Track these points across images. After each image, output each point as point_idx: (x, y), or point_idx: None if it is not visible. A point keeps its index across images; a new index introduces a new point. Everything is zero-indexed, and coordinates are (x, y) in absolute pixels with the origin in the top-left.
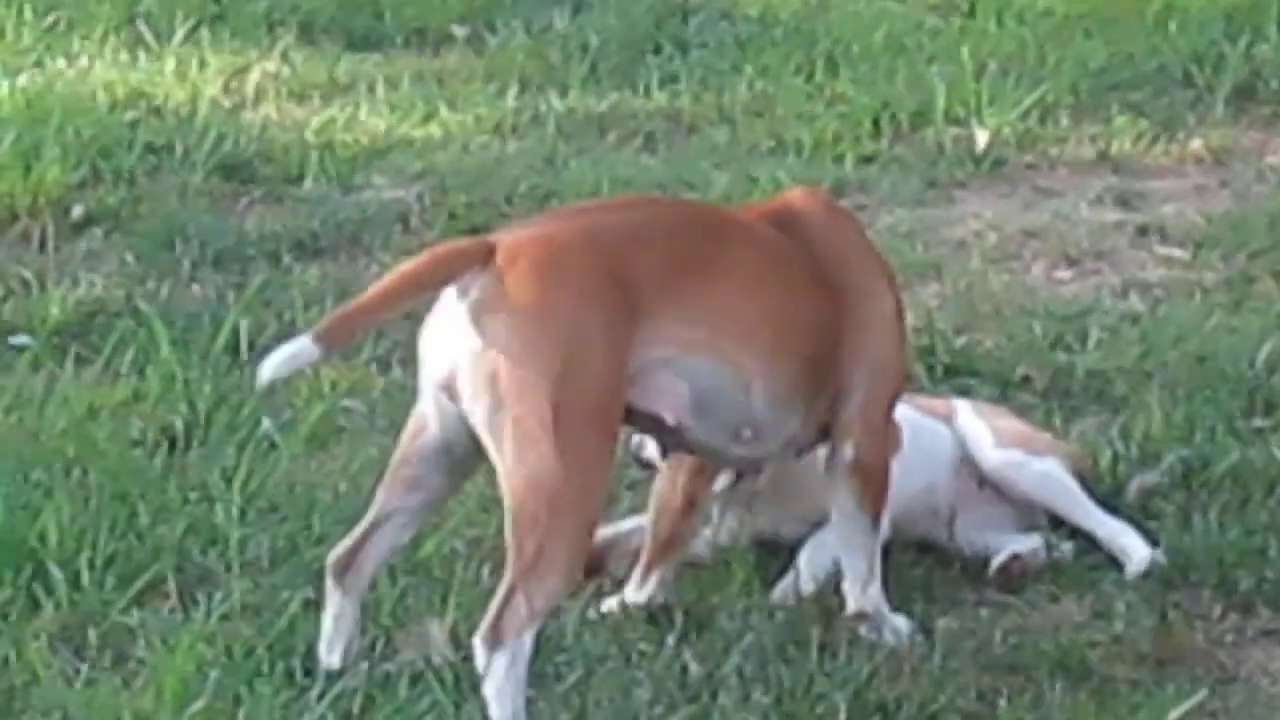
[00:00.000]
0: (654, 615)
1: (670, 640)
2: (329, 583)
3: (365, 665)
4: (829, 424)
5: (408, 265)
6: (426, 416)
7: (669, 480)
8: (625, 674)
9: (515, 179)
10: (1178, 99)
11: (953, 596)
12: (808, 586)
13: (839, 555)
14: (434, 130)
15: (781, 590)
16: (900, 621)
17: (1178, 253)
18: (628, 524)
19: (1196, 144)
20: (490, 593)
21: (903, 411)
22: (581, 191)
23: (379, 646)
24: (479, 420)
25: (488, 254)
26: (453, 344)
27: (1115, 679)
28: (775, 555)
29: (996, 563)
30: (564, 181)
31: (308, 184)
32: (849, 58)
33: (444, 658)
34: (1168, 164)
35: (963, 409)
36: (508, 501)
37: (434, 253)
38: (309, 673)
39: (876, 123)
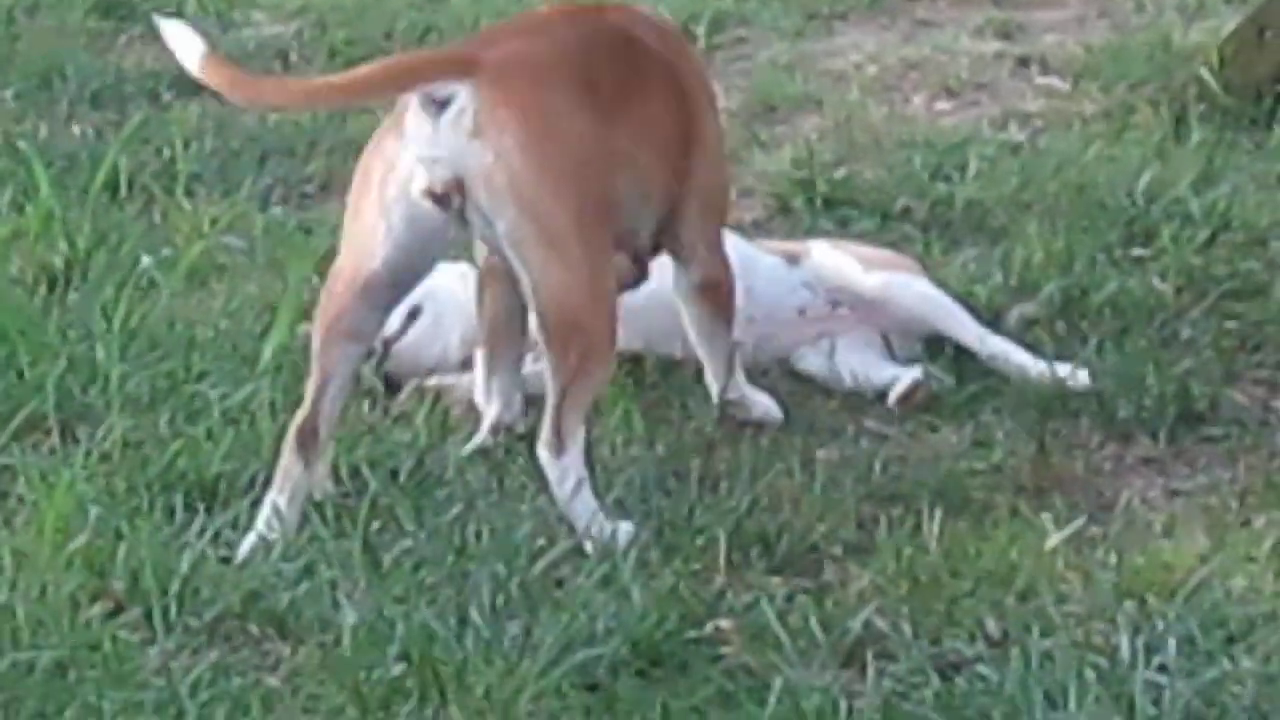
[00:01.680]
0: (532, 450)
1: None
2: (289, 459)
3: (246, 500)
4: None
5: (375, 66)
6: (376, 242)
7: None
8: (506, 507)
9: (394, 14)
10: None
11: (833, 427)
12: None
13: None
14: None
15: None
16: (764, 398)
17: (1057, 83)
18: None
19: None
20: (372, 428)
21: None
22: (461, 27)
23: (259, 482)
24: (501, 231)
25: (468, 65)
26: (455, 156)
27: (994, 507)
28: (655, 385)
29: (897, 391)
30: (445, 17)
31: (187, 19)
32: None
33: (325, 491)
34: None
35: (817, 246)
36: (541, 308)
37: (410, 58)
38: (190, 508)
39: None
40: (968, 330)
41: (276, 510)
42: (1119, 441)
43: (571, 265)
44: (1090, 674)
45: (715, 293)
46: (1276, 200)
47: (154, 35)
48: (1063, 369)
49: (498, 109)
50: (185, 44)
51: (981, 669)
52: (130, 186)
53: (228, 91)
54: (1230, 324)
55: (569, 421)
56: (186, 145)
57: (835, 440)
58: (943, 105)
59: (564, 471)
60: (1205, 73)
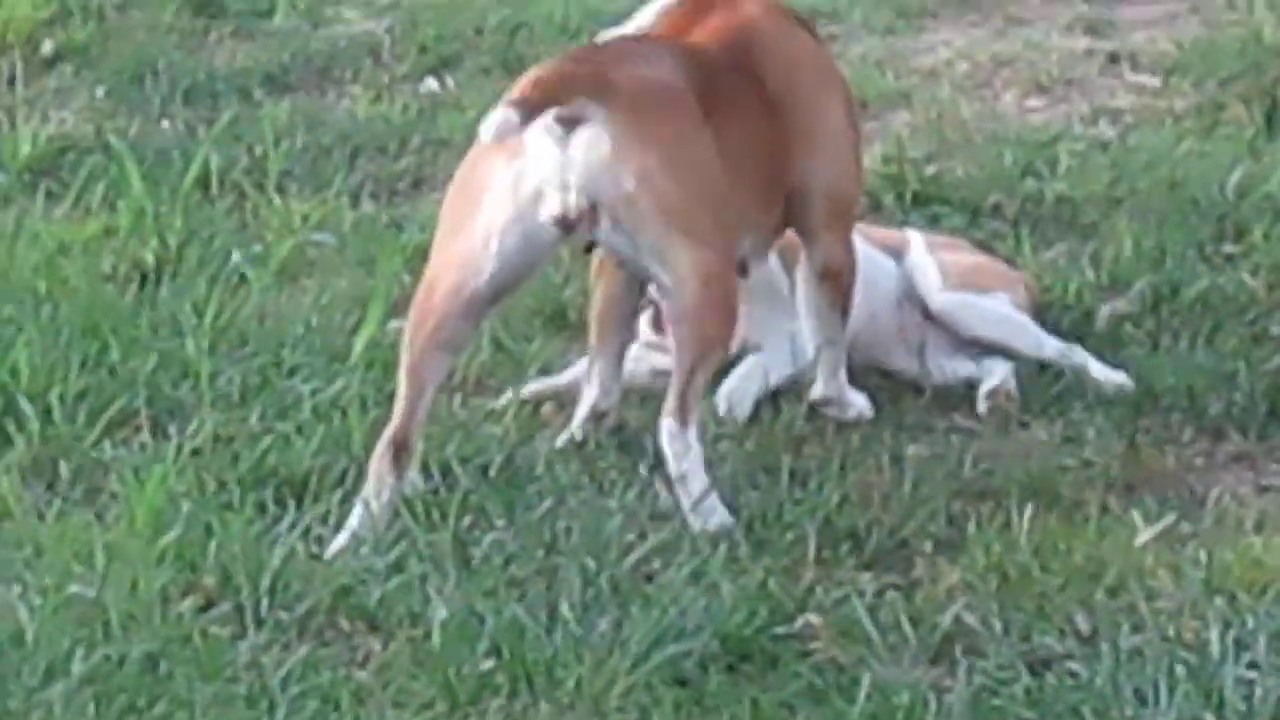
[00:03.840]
0: (625, 444)
1: (642, 469)
2: (382, 467)
3: (336, 495)
4: (784, 231)
5: (521, 86)
6: (486, 260)
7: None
8: (596, 502)
9: (484, 10)
10: None
11: (923, 424)
12: (722, 408)
13: (811, 350)
14: None
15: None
16: (861, 400)
17: (1148, 80)
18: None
19: None
20: (462, 424)
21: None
22: (551, 23)
23: (348, 477)
24: (645, 246)
25: (601, 89)
26: (588, 182)
27: (1084, 503)
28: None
29: (984, 395)
30: (535, 14)
31: (277, 18)
32: None
33: (415, 488)
34: None
35: (915, 243)
36: (681, 298)
37: (546, 75)
38: (280, 503)
39: None
40: (1045, 348)
41: (369, 510)
42: (1210, 438)
43: (715, 253)
44: (1180, 670)
45: (835, 282)
46: None
47: (245, 32)
48: (1111, 379)
49: (633, 135)
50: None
51: (1071, 665)
52: (221, 183)
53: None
54: None
55: (694, 396)
56: (277, 142)
57: (925, 436)
58: (1033, 102)
59: (687, 444)
60: None
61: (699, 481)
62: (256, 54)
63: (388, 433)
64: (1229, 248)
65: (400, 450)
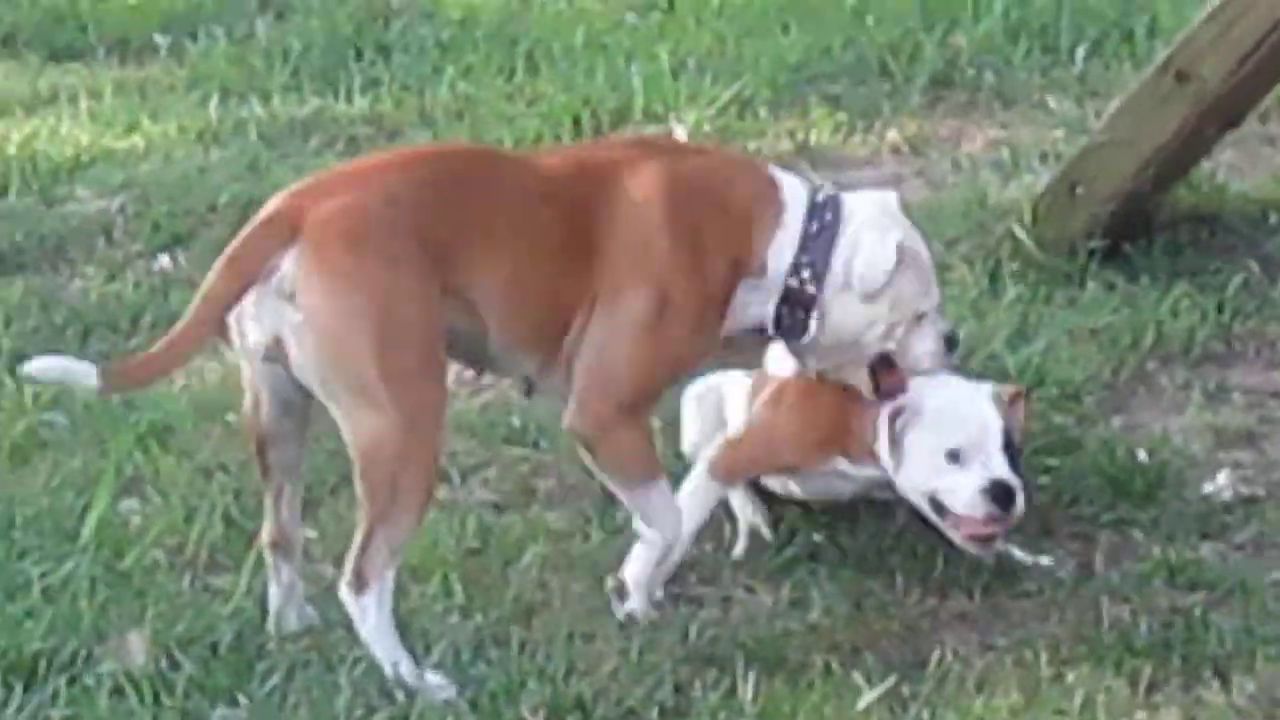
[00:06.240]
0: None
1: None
2: (273, 559)
3: (64, 678)
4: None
5: (211, 286)
6: (257, 384)
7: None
8: (325, 679)
9: (218, 187)
10: (874, 90)
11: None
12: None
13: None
14: (137, 141)
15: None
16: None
17: None
18: None
19: (893, 134)
20: (192, 602)
21: None
22: None
23: (79, 659)
24: (314, 384)
25: (292, 229)
26: (270, 315)
27: (810, 667)
28: (476, 551)
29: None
30: (267, 188)
31: (10, 198)
32: (550, 57)
33: (142, 668)
34: (865, 154)
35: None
36: (354, 454)
37: (237, 253)
38: (8, 685)
39: (577, 121)
40: None
41: (276, 601)
42: (935, 597)
43: (382, 415)
44: None
45: (584, 442)
46: (1090, 355)
47: None
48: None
49: (310, 273)
50: (76, 373)
51: None
52: None
53: (135, 383)
54: (1045, 479)
55: (372, 562)
56: (9, 322)
57: (653, 603)
58: None
59: (364, 610)
60: (1019, 229)
61: (386, 650)
62: None
63: (264, 537)
64: None
65: (276, 544)
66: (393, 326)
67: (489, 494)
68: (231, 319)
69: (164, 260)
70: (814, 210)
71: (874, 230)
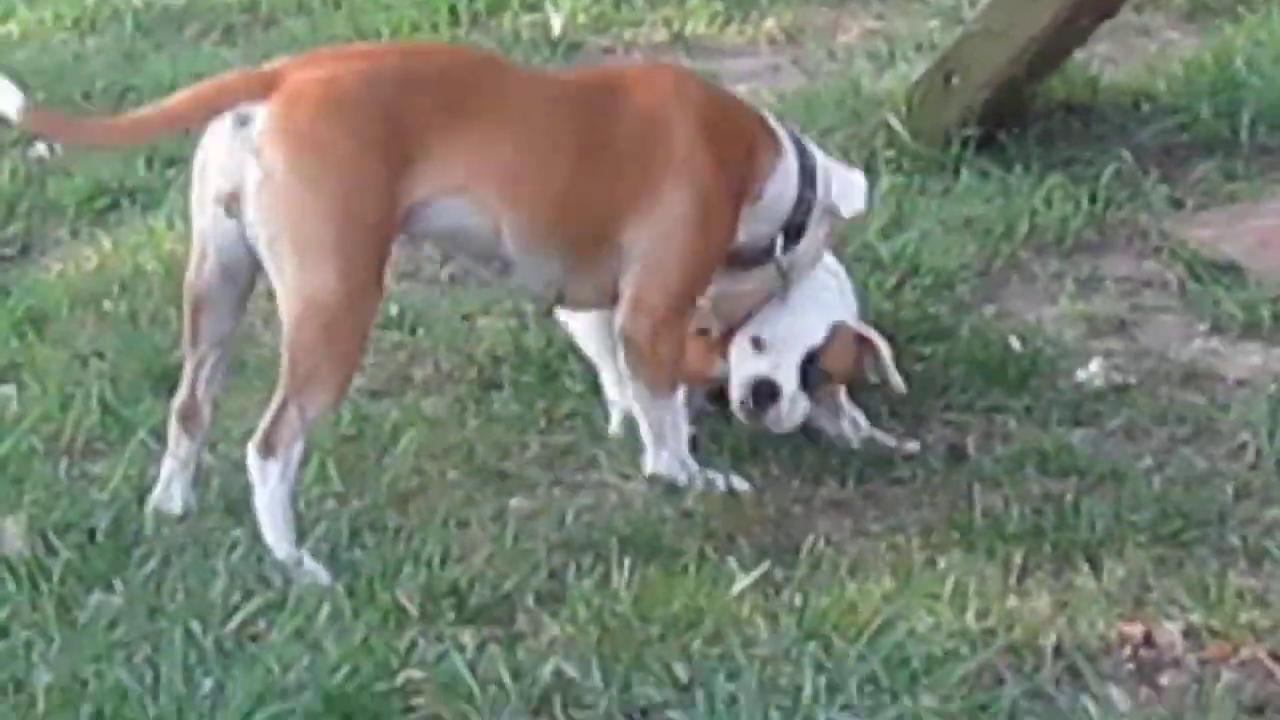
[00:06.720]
0: (230, 507)
1: (242, 533)
2: (175, 430)
3: None
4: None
5: (186, 94)
6: (205, 239)
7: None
8: (202, 565)
9: (93, 75)
10: None
11: (527, 478)
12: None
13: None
14: (12, 28)
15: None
16: (719, 478)
17: None
18: None
19: (769, 24)
20: (68, 489)
21: None
22: (159, 86)
23: None
24: (262, 243)
25: (268, 87)
26: (234, 168)
27: (683, 553)
28: (352, 438)
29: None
30: (142, 76)
31: None
32: None
33: (19, 554)
34: (741, 44)
35: None
36: (286, 320)
37: (221, 80)
38: None
39: (454, 10)
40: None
41: (167, 476)
42: (809, 484)
43: (325, 282)
44: (775, 715)
45: (632, 348)
46: (964, 244)
47: None
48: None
49: (275, 130)
50: (3, 96)
51: (670, 714)
52: None
53: (55, 135)
54: (918, 367)
55: (282, 430)
56: None
57: (528, 491)
58: None
59: (266, 475)
60: (893, 119)
61: (269, 520)
62: None
63: (174, 403)
64: None
65: (184, 415)
66: (349, 197)
67: (365, 380)
68: (196, 166)
69: (40, 148)
70: (800, 148)
71: (838, 165)
